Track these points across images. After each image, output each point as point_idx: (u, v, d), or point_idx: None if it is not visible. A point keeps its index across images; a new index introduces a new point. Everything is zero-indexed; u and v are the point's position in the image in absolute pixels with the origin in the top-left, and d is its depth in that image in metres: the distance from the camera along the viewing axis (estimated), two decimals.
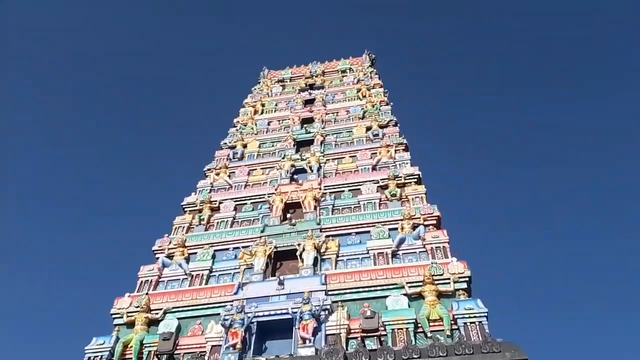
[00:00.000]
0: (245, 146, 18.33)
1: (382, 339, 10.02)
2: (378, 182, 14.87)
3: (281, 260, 13.07)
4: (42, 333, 42.31)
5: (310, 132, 18.26)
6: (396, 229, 12.93)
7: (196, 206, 15.40)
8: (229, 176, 16.76)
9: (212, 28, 65.71)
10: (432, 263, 11.45)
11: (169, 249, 13.63)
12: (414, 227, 12.80)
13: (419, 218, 13.06)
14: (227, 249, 13.54)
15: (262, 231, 13.78)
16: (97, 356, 10.65)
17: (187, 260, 13.25)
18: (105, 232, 49.50)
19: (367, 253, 12.43)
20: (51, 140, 52.71)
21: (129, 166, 54.97)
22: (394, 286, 11.18)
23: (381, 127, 17.77)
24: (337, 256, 12.60)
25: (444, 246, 12.09)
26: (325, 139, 17.77)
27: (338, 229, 13.49)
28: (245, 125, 19.81)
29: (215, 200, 15.47)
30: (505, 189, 51.45)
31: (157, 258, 13.46)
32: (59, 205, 49.99)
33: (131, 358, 10.60)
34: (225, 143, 18.72)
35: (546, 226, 47.01)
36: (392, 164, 15.74)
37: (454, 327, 9.96)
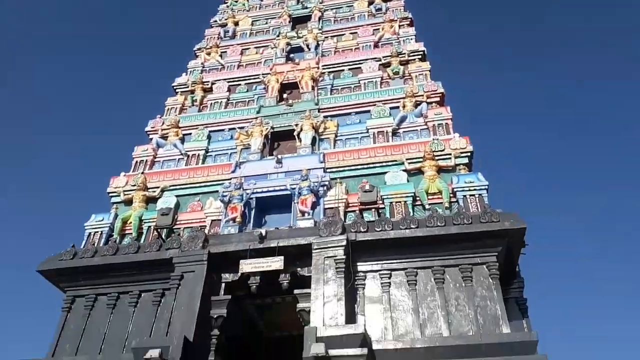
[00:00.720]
0: (236, 24, 17.10)
1: (380, 211, 10.04)
2: (380, 60, 14.05)
3: (278, 140, 12.78)
4: (39, 211, 43.37)
5: (307, 7, 16.88)
6: (397, 107, 12.45)
7: (188, 87, 14.74)
8: (221, 56, 15.82)
9: None
10: (433, 139, 11.14)
11: (162, 129, 13.28)
12: (417, 105, 12.31)
13: (422, 95, 12.51)
14: (223, 130, 13.17)
15: (257, 112, 13.30)
16: (97, 232, 10.77)
17: (182, 140, 12.94)
18: (96, 115, 48.30)
19: (367, 132, 12.07)
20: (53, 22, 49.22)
21: (116, 45, 51.96)
22: (393, 163, 10.98)
23: (384, 0, 16.40)
24: (336, 136, 12.27)
25: (446, 123, 11.69)
26: (324, 14, 16.48)
27: (337, 109, 13.00)
28: (236, 1, 18.32)
29: (208, 81, 14.76)
30: (512, 65, 49.20)
31: (151, 139, 13.15)
32: (52, 87, 48.34)
33: (131, 233, 10.73)
34: (216, 21, 17.44)
35: (551, 104, 45.81)
36: (395, 40, 14.74)
37: (453, 200, 9.92)
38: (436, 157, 10.65)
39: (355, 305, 8.58)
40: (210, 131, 13.10)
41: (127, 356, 8.27)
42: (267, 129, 12.60)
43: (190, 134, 13.12)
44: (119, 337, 9.07)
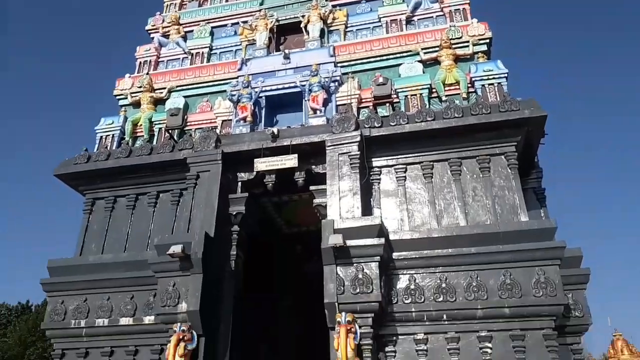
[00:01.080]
0: None
1: (394, 105, 9.73)
2: None
3: (285, 34, 12.09)
4: (48, 116, 43.49)
5: None
6: None
7: None
8: None
9: None
10: (450, 26, 10.44)
11: (163, 27, 12.56)
12: None
13: None
14: (225, 25, 12.42)
15: (261, 4, 12.43)
16: (108, 135, 10.67)
17: (184, 38, 12.31)
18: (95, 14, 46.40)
19: (379, 21, 11.32)
20: None
21: None
22: (408, 53, 10.41)
23: None
24: (346, 27, 11.54)
25: (464, 8, 10.89)
26: None
27: None
28: None
29: None
30: None
31: (152, 38, 12.51)
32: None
33: (142, 135, 10.63)
34: None
35: None
36: None
37: (471, 90, 9.54)
38: (453, 46, 10.06)
39: (371, 200, 8.64)
40: (212, 27, 12.38)
41: (150, 253, 8.55)
42: (272, 22, 11.86)
43: (192, 31, 12.43)
44: (141, 235, 9.35)
